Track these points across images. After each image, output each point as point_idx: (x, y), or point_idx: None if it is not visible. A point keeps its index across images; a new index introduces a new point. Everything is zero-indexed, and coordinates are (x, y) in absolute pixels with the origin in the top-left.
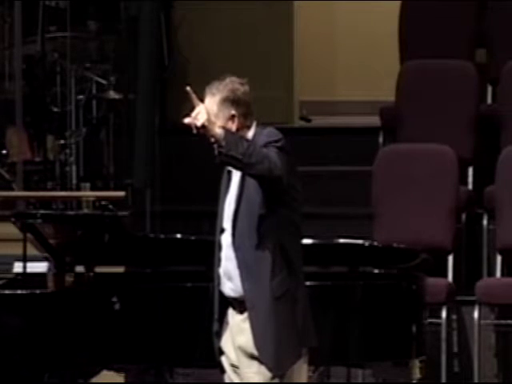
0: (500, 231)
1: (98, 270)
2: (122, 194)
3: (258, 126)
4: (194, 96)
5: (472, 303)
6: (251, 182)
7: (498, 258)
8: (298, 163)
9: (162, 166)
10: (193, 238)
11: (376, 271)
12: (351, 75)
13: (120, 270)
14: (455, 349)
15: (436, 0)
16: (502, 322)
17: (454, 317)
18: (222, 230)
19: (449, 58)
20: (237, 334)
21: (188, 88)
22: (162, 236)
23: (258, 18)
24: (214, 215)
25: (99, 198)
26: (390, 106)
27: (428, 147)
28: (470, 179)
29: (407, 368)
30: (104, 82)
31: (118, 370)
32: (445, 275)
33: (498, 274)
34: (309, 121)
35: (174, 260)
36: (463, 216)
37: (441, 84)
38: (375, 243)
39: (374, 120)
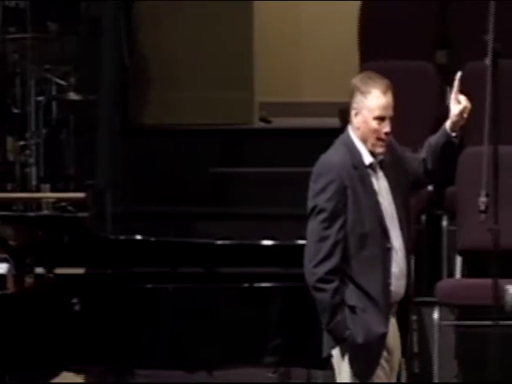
0: (460, 232)
1: (59, 271)
2: (82, 195)
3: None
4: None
5: (432, 304)
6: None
7: (458, 259)
8: (258, 164)
9: (124, 167)
10: (153, 239)
11: None
12: (313, 76)
13: (80, 271)
14: (415, 349)
15: (396, 0)
16: (462, 322)
17: (415, 318)
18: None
19: (409, 59)
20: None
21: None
22: (123, 237)
23: (218, 18)
24: (176, 216)
25: (60, 200)
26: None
27: None
28: None
29: None
30: (64, 83)
31: (78, 372)
32: None
33: (458, 275)
34: (268, 122)
35: (135, 261)
36: (423, 217)
37: (401, 85)
38: None
39: (335, 121)
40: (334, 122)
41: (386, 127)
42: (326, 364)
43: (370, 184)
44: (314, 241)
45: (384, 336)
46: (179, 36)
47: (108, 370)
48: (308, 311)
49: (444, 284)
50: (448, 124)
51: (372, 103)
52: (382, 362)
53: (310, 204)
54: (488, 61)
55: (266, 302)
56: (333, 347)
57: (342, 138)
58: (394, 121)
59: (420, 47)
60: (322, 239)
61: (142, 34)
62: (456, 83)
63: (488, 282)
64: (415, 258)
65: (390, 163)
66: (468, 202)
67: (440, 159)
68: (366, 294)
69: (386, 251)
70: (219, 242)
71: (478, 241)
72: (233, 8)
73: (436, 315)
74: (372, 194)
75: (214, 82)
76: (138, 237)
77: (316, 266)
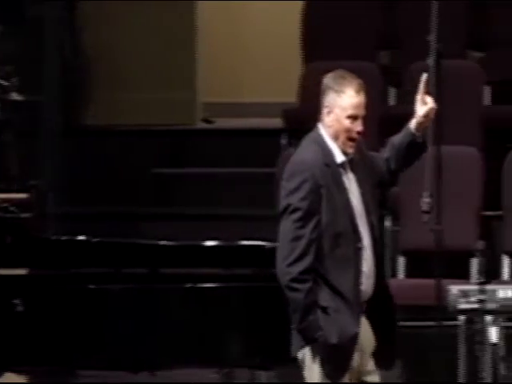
0: (403, 233)
1: (1, 272)
2: (25, 195)
3: None
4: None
5: None
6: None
7: (401, 260)
8: (201, 165)
9: (67, 168)
10: (96, 240)
11: None
12: (256, 76)
13: (23, 272)
14: None
15: (340, 1)
16: (406, 323)
17: None
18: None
19: (352, 60)
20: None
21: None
22: (66, 238)
23: (161, 18)
24: (120, 216)
25: (2, 200)
26: (293, 107)
27: None
28: None
29: None
30: (7, 83)
31: (21, 372)
32: None
33: (401, 275)
34: (211, 123)
35: (78, 262)
36: None
37: None
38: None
39: (278, 122)
40: (277, 122)
41: (358, 126)
42: (270, 364)
43: (342, 183)
44: (287, 240)
45: (356, 336)
46: (123, 36)
47: (51, 371)
48: (251, 311)
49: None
50: (413, 124)
51: (345, 102)
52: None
53: (283, 203)
54: (431, 61)
55: (209, 302)
56: (302, 347)
57: (311, 136)
58: None
59: (363, 48)
60: (296, 238)
61: (85, 34)
62: (422, 85)
63: (431, 282)
64: None
65: (358, 162)
66: (411, 203)
67: (403, 159)
68: (339, 293)
69: (358, 251)
70: (162, 243)
71: (420, 241)
72: (176, 8)
73: None
74: (344, 192)
75: (157, 82)
76: (81, 237)
77: (290, 265)
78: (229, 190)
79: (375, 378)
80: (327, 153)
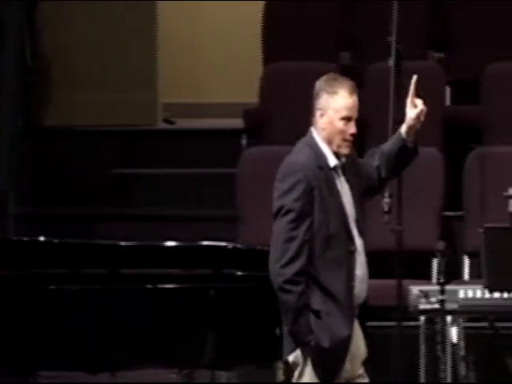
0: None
1: None
2: None
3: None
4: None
5: None
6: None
7: None
8: (162, 165)
9: (27, 168)
10: (56, 240)
11: (239, 273)
12: (217, 77)
13: None
14: None
15: (300, 1)
16: (372, 323)
17: None
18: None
19: (313, 60)
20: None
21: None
22: (26, 238)
23: (122, 18)
24: (80, 217)
25: None
26: (253, 107)
27: (291, 150)
28: None
29: (271, 370)
30: None
31: None
32: None
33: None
34: (172, 123)
35: (38, 263)
36: None
37: (304, 86)
38: (239, 245)
39: (239, 122)
40: (237, 122)
41: (352, 128)
42: (230, 365)
43: (335, 186)
44: (280, 241)
45: (349, 338)
46: (83, 37)
47: (11, 372)
48: (211, 312)
49: None
50: (403, 129)
51: (339, 103)
52: (346, 365)
53: (277, 204)
54: (391, 62)
55: (169, 303)
56: (294, 350)
57: (304, 140)
58: (297, 121)
59: (323, 48)
60: (290, 240)
61: (45, 34)
62: (412, 87)
63: (392, 282)
64: None
65: (350, 168)
66: (371, 203)
67: (394, 165)
68: (331, 296)
69: (350, 253)
70: (123, 243)
71: (381, 241)
72: (137, 8)
73: None
74: (337, 195)
75: (118, 83)
76: (41, 238)
77: (283, 266)
78: (189, 190)
79: (364, 381)
80: (320, 156)
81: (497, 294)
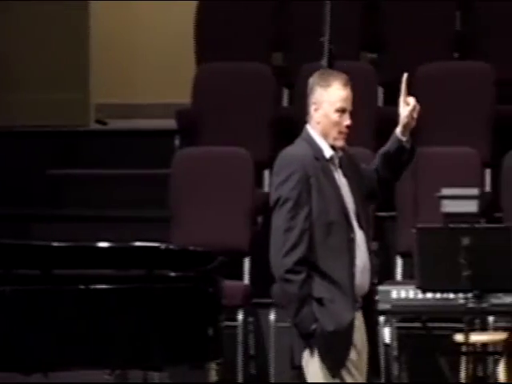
0: None
1: None
2: None
3: None
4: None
5: (268, 306)
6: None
7: None
8: (94, 166)
9: None
10: None
11: (173, 274)
12: (149, 77)
13: None
14: (252, 351)
15: (233, 1)
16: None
17: (251, 319)
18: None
19: (246, 61)
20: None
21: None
22: None
23: (53, 18)
24: (13, 218)
25: None
26: (186, 108)
27: (224, 150)
28: (266, 182)
29: (204, 370)
30: None
31: None
32: (242, 278)
33: None
34: (104, 124)
35: None
36: (260, 219)
37: (238, 86)
38: (172, 246)
39: (172, 123)
40: (170, 123)
41: (347, 120)
42: (162, 365)
43: (332, 176)
44: (280, 232)
45: (352, 322)
46: (14, 36)
47: None
48: (144, 312)
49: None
50: (398, 129)
51: (333, 95)
52: (353, 356)
53: (274, 196)
54: (324, 62)
55: (102, 303)
56: (304, 350)
57: (301, 136)
58: (230, 122)
59: (256, 48)
60: (289, 229)
61: None
62: (403, 85)
63: None
64: (251, 259)
65: (348, 165)
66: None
67: (393, 167)
68: (333, 282)
69: (350, 241)
70: (56, 244)
71: None
72: (68, 8)
73: (272, 317)
74: (334, 185)
75: (50, 83)
76: None
77: (284, 256)
78: (122, 191)
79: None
80: (316, 149)
81: (429, 295)
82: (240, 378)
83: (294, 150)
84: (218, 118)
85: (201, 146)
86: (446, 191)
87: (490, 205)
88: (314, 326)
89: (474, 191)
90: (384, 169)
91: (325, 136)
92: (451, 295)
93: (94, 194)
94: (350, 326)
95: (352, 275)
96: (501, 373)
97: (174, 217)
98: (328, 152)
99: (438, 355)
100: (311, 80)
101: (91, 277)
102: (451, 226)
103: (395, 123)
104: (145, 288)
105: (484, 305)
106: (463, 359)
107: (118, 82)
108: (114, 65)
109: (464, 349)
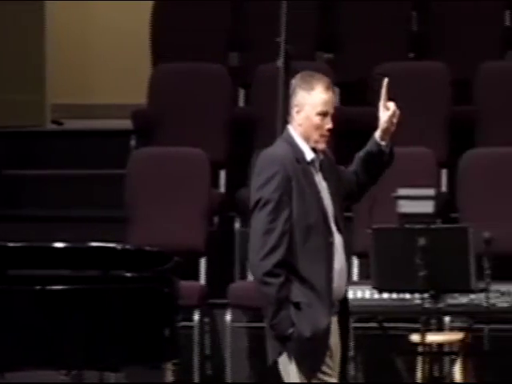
0: None
1: None
2: None
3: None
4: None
5: (224, 306)
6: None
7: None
8: (50, 166)
9: None
10: None
11: (128, 274)
12: (105, 78)
13: None
14: (208, 351)
15: (190, 0)
16: (254, 324)
17: (207, 320)
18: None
19: (202, 61)
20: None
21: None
22: None
23: (9, 17)
24: None
25: None
26: (142, 108)
27: (180, 150)
28: (223, 182)
29: (160, 371)
30: None
31: None
32: (197, 278)
33: (250, 277)
34: (60, 124)
35: None
36: (216, 219)
37: (194, 87)
38: (127, 246)
39: (128, 123)
40: (126, 123)
41: (329, 123)
42: (118, 366)
43: (313, 179)
44: (260, 234)
45: (329, 327)
46: None
47: None
48: (101, 313)
49: (236, 286)
50: (378, 133)
51: (315, 99)
52: (327, 360)
53: (255, 197)
54: (280, 62)
55: (58, 304)
56: (280, 353)
57: (282, 137)
58: (186, 123)
59: (212, 49)
60: (268, 231)
61: None
62: (384, 90)
63: None
64: (207, 259)
65: (328, 168)
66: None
67: (371, 170)
68: (311, 286)
69: (329, 245)
70: (11, 244)
71: None
72: (24, 8)
73: (228, 317)
74: (314, 188)
75: (6, 84)
76: None
77: (263, 258)
78: (78, 191)
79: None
80: (297, 151)
81: (385, 295)
82: (196, 379)
83: (274, 151)
84: (174, 119)
85: (157, 147)
86: (402, 191)
87: (446, 205)
88: (290, 330)
89: (430, 192)
90: (363, 172)
91: (306, 138)
92: (407, 295)
93: (50, 194)
94: (327, 332)
95: (330, 280)
96: (457, 373)
97: (130, 217)
98: (309, 155)
99: (394, 355)
100: (294, 82)
101: (47, 277)
102: (407, 226)
103: (352, 123)
104: (101, 288)
105: (440, 305)
106: (419, 359)
107: (74, 82)
108: (70, 65)
109: (420, 349)
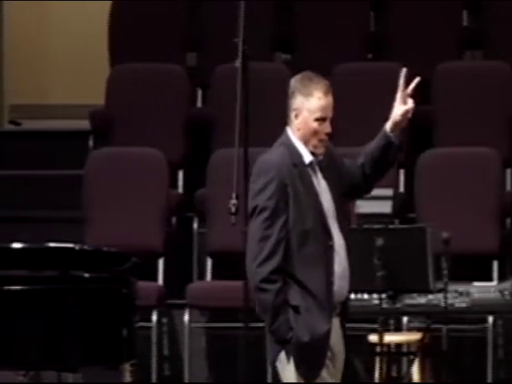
0: (210, 234)
1: None
2: None
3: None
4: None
5: (183, 306)
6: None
7: (209, 261)
8: (7, 167)
9: None
10: None
11: (86, 275)
12: (62, 78)
13: None
14: (166, 352)
15: (146, 1)
16: (213, 324)
17: (165, 320)
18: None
19: (160, 61)
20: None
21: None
22: None
23: None
24: None
25: None
26: (100, 109)
27: (139, 151)
28: (181, 182)
29: (118, 371)
30: None
31: None
32: (155, 279)
33: (209, 277)
34: (18, 124)
35: None
36: (174, 219)
37: (151, 87)
38: (85, 247)
39: (86, 124)
40: (84, 124)
41: (327, 128)
42: (77, 366)
43: (311, 183)
44: (256, 241)
45: (328, 333)
46: None
47: None
48: (58, 313)
49: (194, 286)
50: (388, 125)
51: (313, 105)
52: (327, 362)
53: (251, 204)
54: (238, 63)
55: (15, 304)
56: (279, 352)
57: (280, 140)
58: (143, 123)
59: (170, 49)
60: (265, 238)
61: None
62: (401, 82)
63: (238, 284)
64: (165, 259)
65: (328, 166)
66: (218, 204)
67: (380, 163)
68: (309, 292)
69: (328, 249)
70: None
71: (228, 243)
72: None
73: (186, 317)
74: (313, 192)
75: None
76: None
77: (259, 265)
78: (36, 191)
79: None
80: (295, 154)
81: None
82: (154, 379)
83: (270, 157)
84: (132, 119)
85: (115, 147)
86: None
87: (403, 205)
88: (290, 334)
89: (388, 192)
90: (370, 165)
91: (305, 143)
92: (365, 295)
93: (8, 194)
94: (325, 337)
95: (329, 284)
96: (415, 373)
97: (88, 217)
98: (308, 158)
99: (352, 356)
100: (292, 84)
101: (4, 277)
102: (365, 226)
103: None
104: (58, 289)
105: (398, 305)
106: (377, 359)
107: (31, 82)
108: (28, 66)
109: (378, 349)
